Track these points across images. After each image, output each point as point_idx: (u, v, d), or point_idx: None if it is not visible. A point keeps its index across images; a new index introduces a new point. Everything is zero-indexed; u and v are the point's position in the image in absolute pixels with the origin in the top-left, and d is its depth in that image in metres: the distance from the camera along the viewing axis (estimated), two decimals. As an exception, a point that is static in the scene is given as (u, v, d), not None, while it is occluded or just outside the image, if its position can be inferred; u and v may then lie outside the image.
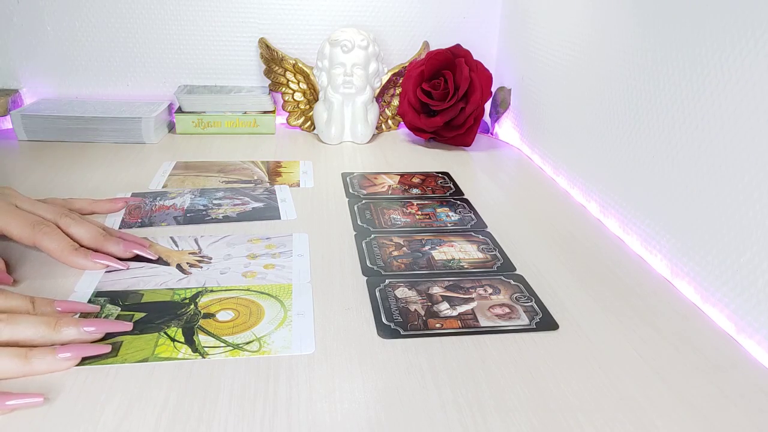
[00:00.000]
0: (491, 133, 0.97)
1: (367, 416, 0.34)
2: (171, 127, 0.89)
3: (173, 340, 0.40)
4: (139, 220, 0.56)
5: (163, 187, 0.67)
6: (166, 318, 0.43)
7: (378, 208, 0.63)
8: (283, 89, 0.91)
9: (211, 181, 0.69)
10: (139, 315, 0.43)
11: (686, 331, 0.44)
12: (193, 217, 0.58)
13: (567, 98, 0.71)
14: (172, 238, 0.55)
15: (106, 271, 0.48)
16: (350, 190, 0.68)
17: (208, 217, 0.58)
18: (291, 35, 0.91)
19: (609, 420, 0.35)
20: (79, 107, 0.85)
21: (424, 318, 0.44)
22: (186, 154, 0.78)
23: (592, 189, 0.65)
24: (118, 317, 0.42)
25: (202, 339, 0.41)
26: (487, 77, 0.82)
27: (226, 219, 0.57)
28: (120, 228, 0.55)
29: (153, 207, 0.60)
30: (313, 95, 0.90)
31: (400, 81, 0.90)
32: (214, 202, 0.61)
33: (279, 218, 0.58)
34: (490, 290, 0.48)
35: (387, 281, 0.49)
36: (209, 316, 0.43)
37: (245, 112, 0.88)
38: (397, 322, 0.43)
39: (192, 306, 0.44)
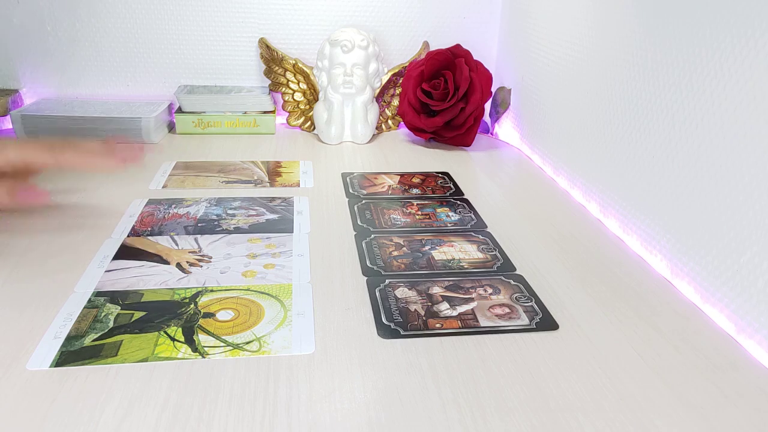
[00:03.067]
0: (491, 133, 0.97)
1: (367, 416, 0.34)
2: (171, 127, 0.89)
3: (173, 339, 0.40)
4: (149, 229, 0.56)
5: (163, 186, 0.67)
6: (166, 317, 0.43)
7: (378, 208, 0.63)
8: (283, 89, 0.91)
9: (211, 181, 0.69)
10: (139, 314, 0.43)
11: (686, 331, 0.44)
12: (204, 227, 0.57)
13: (567, 98, 0.71)
14: (172, 237, 0.55)
15: (106, 270, 0.48)
16: (350, 190, 0.68)
17: (219, 227, 0.57)
18: (291, 35, 0.91)
19: (609, 420, 0.35)
20: (79, 107, 0.85)
21: (424, 318, 0.44)
22: (186, 154, 0.78)
23: (592, 189, 0.65)
24: (117, 317, 0.42)
25: (202, 338, 0.41)
26: (487, 77, 0.82)
27: (237, 230, 0.56)
28: (129, 236, 0.55)
29: (166, 215, 0.59)
30: (313, 95, 0.90)
31: (400, 81, 0.90)
32: (229, 212, 0.60)
33: (292, 231, 0.57)
34: (490, 290, 0.48)
35: (387, 281, 0.49)
36: (209, 315, 0.43)
37: (245, 112, 0.88)
38: (397, 322, 0.43)
39: (192, 305, 0.44)
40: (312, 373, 0.38)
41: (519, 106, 0.86)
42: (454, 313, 0.45)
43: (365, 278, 0.49)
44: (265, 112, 0.89)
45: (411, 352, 0.40)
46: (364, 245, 0.55)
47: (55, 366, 0.37)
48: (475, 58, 0.83)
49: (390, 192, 0.68)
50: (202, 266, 0.50)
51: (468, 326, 0.43)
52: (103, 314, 0.43)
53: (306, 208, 0.63)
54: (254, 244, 0.54)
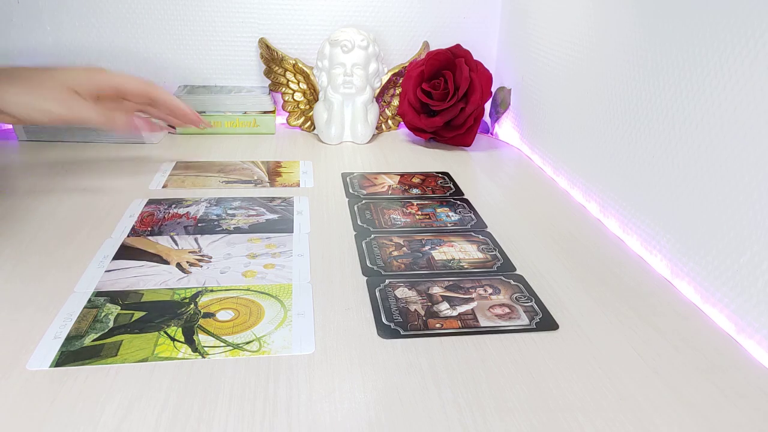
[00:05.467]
0: (491, 133, 0.97)
1: (367, 416, 0.34)
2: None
3: (173, 339, 0.40)
4: (149, 229, 0.56)
5: (163, 186, 0.67)
6: (166, 317, 0.43)
7: (378, 208, 0.63)
8: (283, 89, 0.91)
9: (211, 181, 0.69)
10: (138, 314, 0.43)
11: (686, 331, 0.44)
12: (204, 227, 0.57)
13: (567, 98, 0.71)
14: (172, 237, 0.55)
15: (106, 270, 0.48)
16: (350, 190, 0.68)
17: (219, 227, 0.57)
18: (291, 35, 0.91)
19: (609, 420, 0.35)
20: (79, 107, 0.84)
21: (424, 318, 0.44)
22: (186, 154, 0.78)
23: (592, 189, 0.65)
24: (117, 317, 0.42)
25: (202, 339, 0.41)
26: (487, 77, 0.82)
27: (237, 230, 0.56)
28: (129, 236, 0.55)
29: (166, 215, 0.59)
30: (313, 95, 0.90)
31: (400, 81, 0.90)
32: (229, 212, 0.60)
33: (292, 231, 0.57)
34: (490, 290, 0.48)
35: (387, 281, 0.49)
36: (209, 315, 0.43)
37: (245, 112, 0.88)
38: (397, 322, 0.43)
39: (192, 305, 0.44)
40: (312, 373, 0.38)
41: (519, 106, 0.86)
42: (454, 313, 0.45)
43: (365, 278, 0.49)
44: (265, 112, 0.89)
45: (411, 352, 0.40)
46: (364, 245, 0.55)
47: (55, 366, 0.37)
48: (475, 58, 0.83)
49: (390, 192, 0.68)
50: (202, 266, 0.50)
51: (468, 326, 0.43)
52: (103, 314, 0.43)
53: (306, 208, 0.63)
54: (254, 244, 0.54)
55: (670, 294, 0.49)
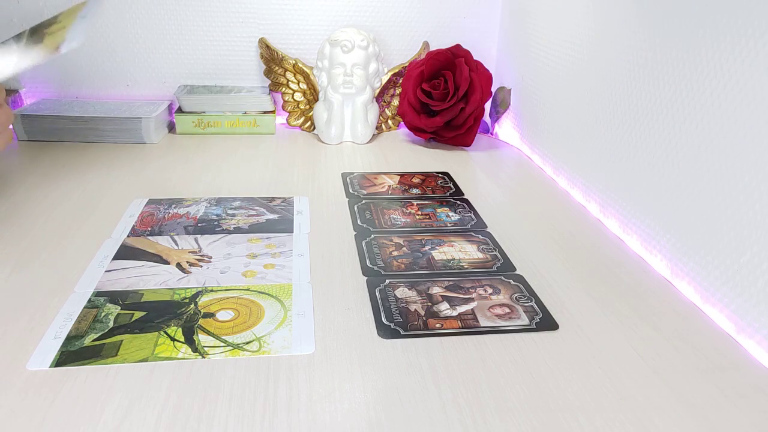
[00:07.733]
0: (491, 133, 0.97)
1: (367, 416, 0.34)
2: (171, 127, 0.89)
3: (173, 339, 0.40)
4: (149, 229, 0.56)
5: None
6: (166, 317, 0.43)
7: (378, 208, 0.63)
8: (283, 89, 0.91)
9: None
10: (139, 314, 0.43)
11: (686, 331, 0.44)
12: (204, 227, 0.57)
13: (567, 98, 0.71)
14: (172, 237, 0.55)
15: (106, 270, 0.48)
16: (350, 190, 0.68)
17: (219, 228, 0.57)
18: (291, 35, 0.91)
19: (609, 420, 0.35)
20: (79, 107, 0.85)
21: (424, 318, 0.44)
22: (186, 154, 0.78)
23: (592, 189, 0.65)
24: (117, 317, 0.42)
25: (202, 339, 0.41)
26: (487, 77, 0.82)
27: (237, 230, 0.56)
28: (129, 236, 0.55)
29: (166, 215, 0.59)
30: (313, 95, 0.90)
31: (400, 81, 0.90)
32: (229, 212, 0.60)
33: (292, 231, 0.57)
34: (490, 290, 0.48)
35: (387, 281, 0.49)
36: (209, 315, 0.43)
37: (245, 112, 0.88)
38: (397, 322, 0.43)
39: (192, 305, 0.44)
40: (312, 373, 0.38)
41: (519, 106, 0.86)
42: (454, 313, 0.45)
43: (365, 278, 0.49)
44: (265, 112, 0.89)
45: (411, 352, 0.40)
46: (364, 245, 0.55)
47: (55, 366, 0.37)
48: (475, 58, 0.83)
49: (390, 192, 0.68)
50: (202, 266, 0.50)
51: (468, 326, 0.43)
52: (103, 314, 0.43)
53: (306, 208, 0.63)
54: (254, 244, 0.54)
55: (670, 294, 0.49)
